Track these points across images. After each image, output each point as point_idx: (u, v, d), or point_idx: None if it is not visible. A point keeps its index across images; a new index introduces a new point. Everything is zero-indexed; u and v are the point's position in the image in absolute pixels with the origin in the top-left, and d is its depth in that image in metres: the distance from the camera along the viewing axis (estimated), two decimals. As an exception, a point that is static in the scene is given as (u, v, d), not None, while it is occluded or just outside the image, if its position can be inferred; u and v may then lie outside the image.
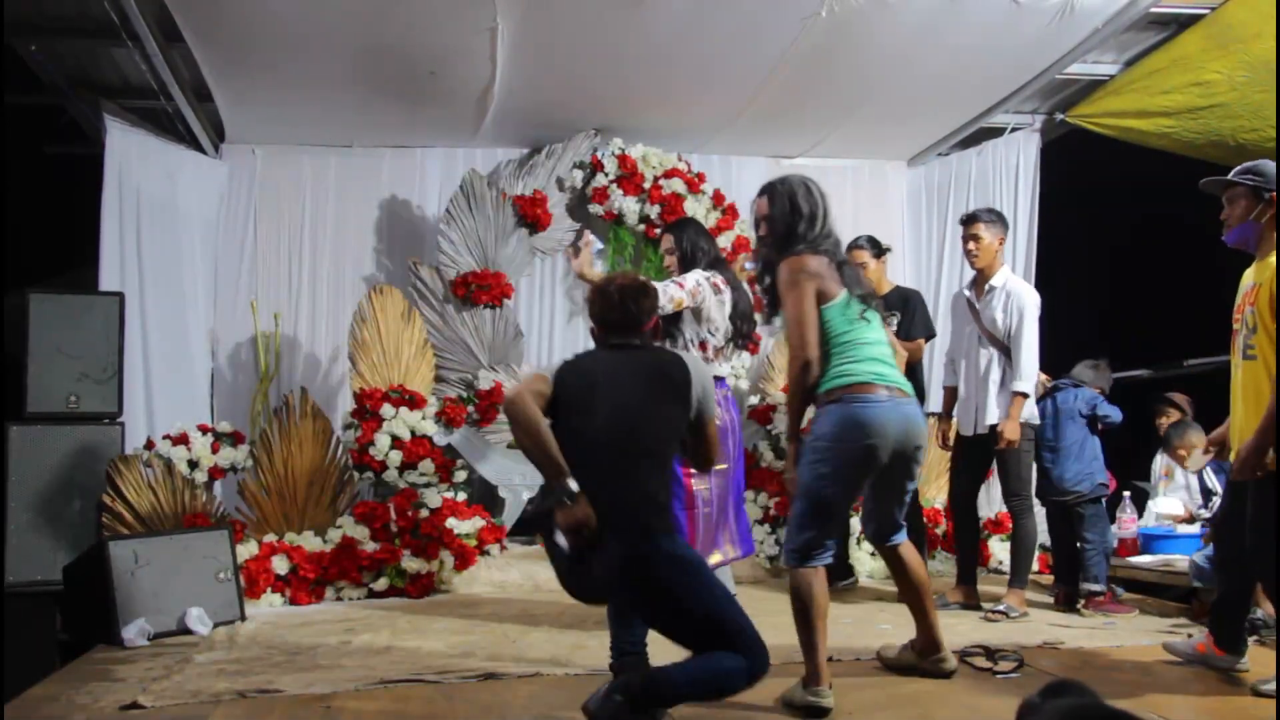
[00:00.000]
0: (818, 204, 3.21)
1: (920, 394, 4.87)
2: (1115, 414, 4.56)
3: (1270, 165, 3.20)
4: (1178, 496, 5.19)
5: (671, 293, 3.84)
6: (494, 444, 5.69)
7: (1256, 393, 3.09)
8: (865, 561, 5.25)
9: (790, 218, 3.19)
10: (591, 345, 2.97)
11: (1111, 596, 4.48)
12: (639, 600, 2.71)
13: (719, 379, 3.90)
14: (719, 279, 4.07)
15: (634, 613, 2.78)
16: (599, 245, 4.22)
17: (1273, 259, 3.10)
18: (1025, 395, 4.30)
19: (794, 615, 3.02)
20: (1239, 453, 3.07)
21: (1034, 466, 4.56)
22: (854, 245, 4.88)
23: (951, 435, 4.67)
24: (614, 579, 2.63)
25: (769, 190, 3.28)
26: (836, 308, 3.11)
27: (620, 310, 2.85)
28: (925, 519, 5.28)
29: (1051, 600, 4.62)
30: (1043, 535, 4.88)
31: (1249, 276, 3.23)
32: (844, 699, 3.04)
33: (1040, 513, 4.69)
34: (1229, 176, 3.25)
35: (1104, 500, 4.59)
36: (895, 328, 4.78)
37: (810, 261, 3.11)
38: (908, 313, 4.86)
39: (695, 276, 3.99)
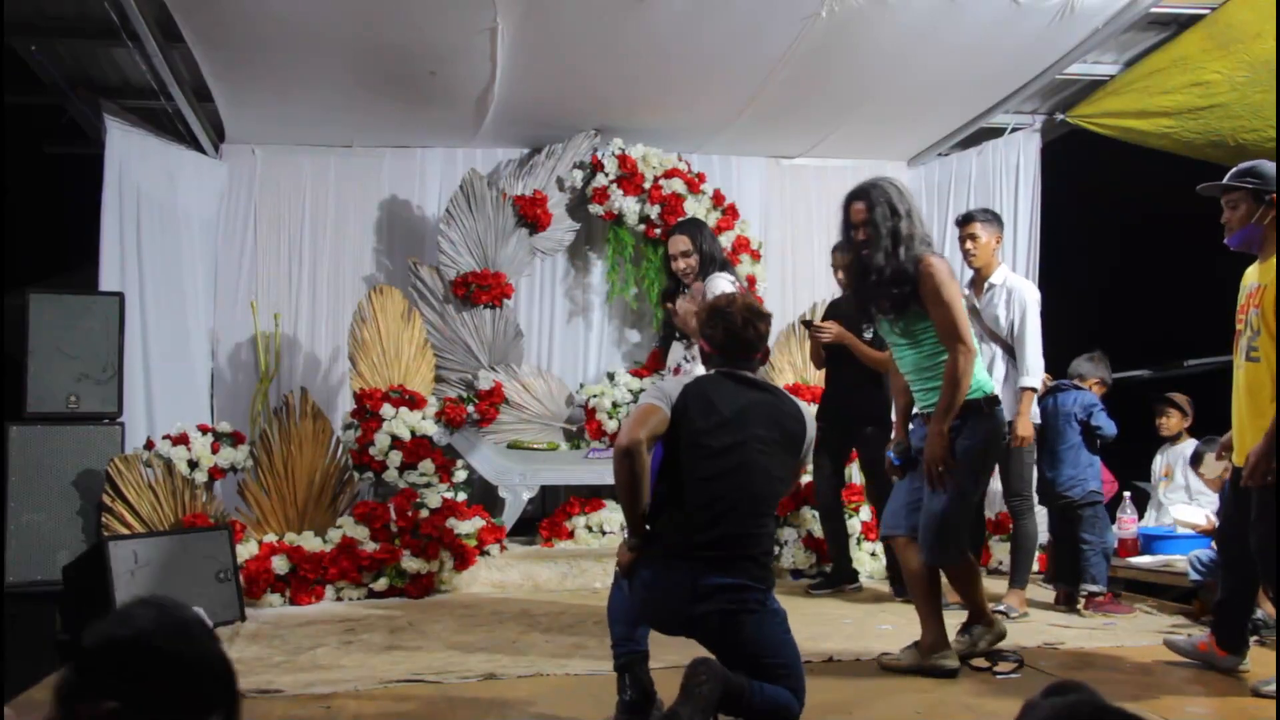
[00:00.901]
0: (911, 203, 3.36)
1: (885, 406, 4.84)
2: (1109, 428, 4.53)
3: (1269, 166, 3.19)
4: (1181, 498, 5.20)
5: None
6: (494, 444, 5.69)
7: (1259, 395, 3.08)
8: (866, 562, 5.25)
9: (892, 219, 3.30)
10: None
11: (1112, 597, 4.49)
12: (717, 639, 2.70)
13: None
14: (739, 283, 4.11)
15: (705, 645, 2.75)
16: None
17: (1275, 260, 3.09)
18: (1034, 390, 4.32)
19: (925, 594, 3.35)
20: (1248, 459, 3.04)
21: (1035, 466, 4.56)
22: (839, 247, 4.87)
23: None
24: (697, 615, 2.63)
25: (864, 194, 3.36)
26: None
27: (743, 337, 2.80)
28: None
29: (1052, 599, 4.62)
30: (1043, 535, 4.89)
31: (1252, 277, 3.21)
32: (844, 699, 3.05)
33: (1041, 512, 4.70)
34: (1226, 180, 3.24)
35: (1102, 503, 4.59)
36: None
37: (947, 263, 3.33)
38: None
39: (727, 288, 4.02)
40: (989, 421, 3.33)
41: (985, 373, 3.44)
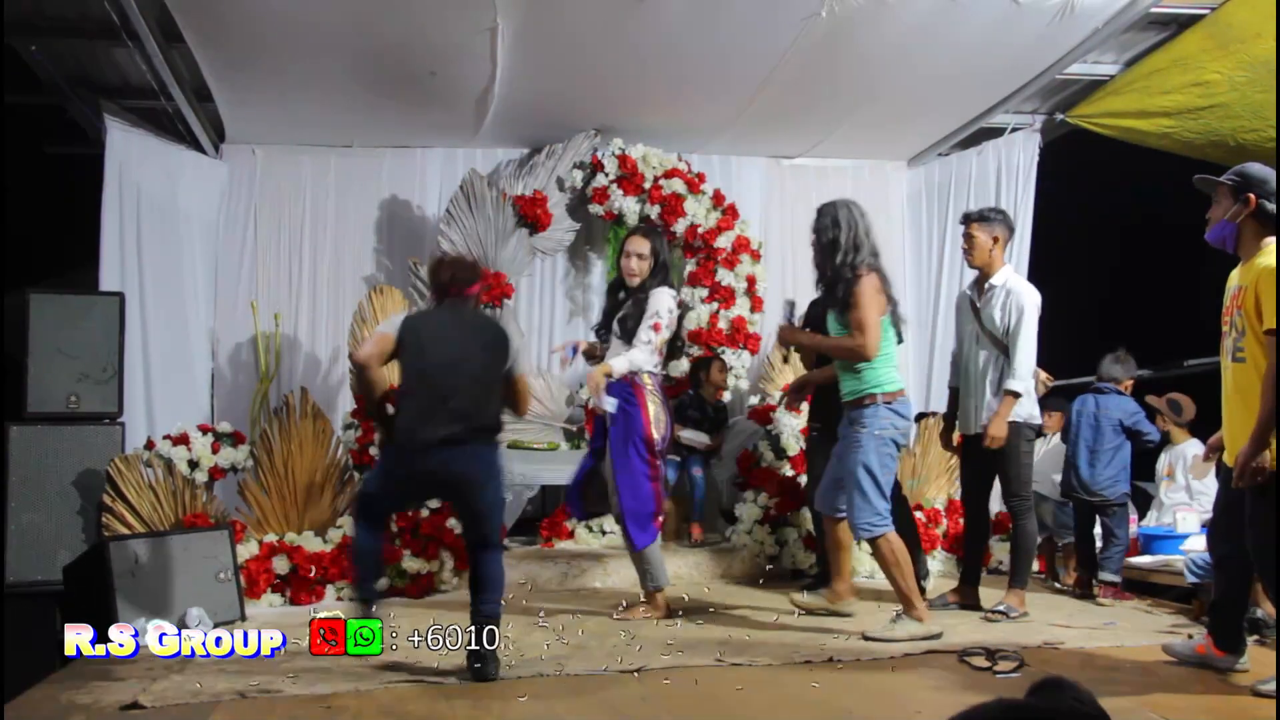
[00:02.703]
0: (858, 220, 4.02)
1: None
2: (1154, 434, 4.90)
3: (1253, 168, 3.23)
4: (1182, 499, 5.21)
5: (653, 340, 4.24)
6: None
7: (1247, 395, 3.10)
8: (865, 561, 5.25)
9: (833, 232, 4.01)
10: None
11: (1118, 588, 4.75)
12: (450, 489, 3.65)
13: (652, 373, 4.31)
14: (678, 295, 4.44)
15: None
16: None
17: (1257, 261, 3.13)
18: (1016, 395, 4.28)
19: (896, 567, 3.92)
20: (1236, 460, 3.06)
21: (1033, 467, 4.56)
22: None
23: (956, 436, 4.67)
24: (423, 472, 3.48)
25: (816, 213, 4.11)
26: (885, 322, 3.99)
27: (438, 280, 3.63)
28: (924, 518, 5.28)
29: (1072, 583, 4.86)
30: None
31: (1235, 279, 3.24)
32: (844, 699, 3.05)
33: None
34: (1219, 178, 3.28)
35: (1129, 502, 4.89)
36: None
37: (878, 279, 3.98)
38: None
39: (668, 303, 4.26)
40: (902, 410, 4.02)
41: (896, 373, 4.07)
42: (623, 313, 4.30)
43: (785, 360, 5.91)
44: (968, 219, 4.50)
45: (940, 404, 6.12)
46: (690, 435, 5.56)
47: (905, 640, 3.79)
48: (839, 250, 3.98)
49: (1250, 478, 3.01)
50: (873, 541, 3.95)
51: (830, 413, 4.76)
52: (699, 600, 4.65)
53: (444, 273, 3.64)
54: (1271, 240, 3.15)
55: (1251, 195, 3.16)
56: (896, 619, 3.91)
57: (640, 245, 4.32)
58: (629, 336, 4.23)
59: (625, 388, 4.21)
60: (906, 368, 5.83)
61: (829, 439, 4.90)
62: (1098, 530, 4.89)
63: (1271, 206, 3.15)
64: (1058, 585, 5.13)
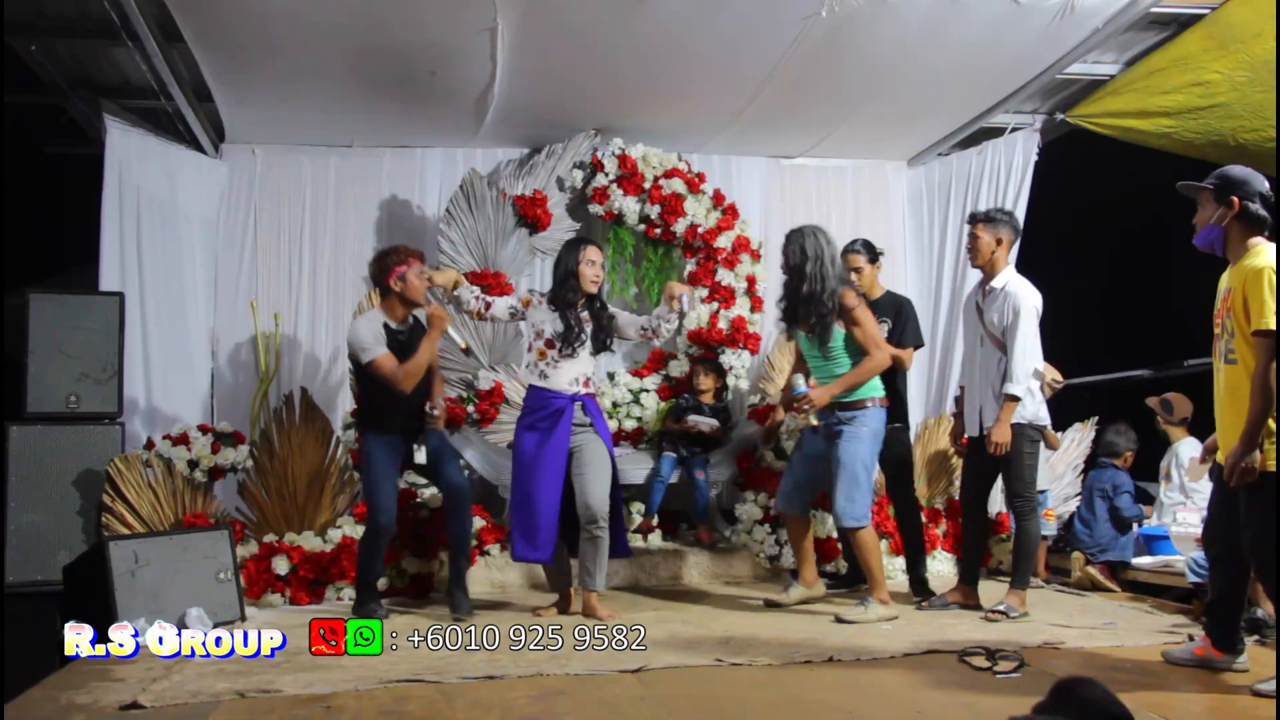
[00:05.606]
0: (825, 248, 4.35)
1: (899, 402, 4.85)
2: (1130, 511, 5.22)
3: (1234, 170, 3.24)
4: (1179, 499, 5.22)
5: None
6: (494, 444, 5.69)
7: (1239, 396, 3.12)
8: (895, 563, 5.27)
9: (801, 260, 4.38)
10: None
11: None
12: None
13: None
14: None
15: None
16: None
17: (1245, 262, 3.14)
18: (1015, 399, 4.28)
19: (874, 553, 4.41)
20: (1228, 460, 3.09)
21: (1038, 468, 4.55)
22: (849, 249, 4.88)
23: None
24: None
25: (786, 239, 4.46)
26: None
27: None
28: (925, 518, 5.28)
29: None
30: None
31: (1225, 281, 3.25)
32: (844, 699, 3.05)
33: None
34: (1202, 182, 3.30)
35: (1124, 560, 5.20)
36: (885, 334, 4.76)
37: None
38: (899, 320, 4.84)
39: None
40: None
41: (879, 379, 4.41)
42: (597, 323, 4.43)
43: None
44: (974, 219, 4.50)
45: (942, 405, 6.15)
46: (697, 419, 5.53)
47: (875, 621, 4.17)
48: (808, 278, 4.29)
49: (1240, 477, 3.03)
50: (859, 531, 4.32)
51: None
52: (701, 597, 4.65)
53: None
54: (1259, 240, 3.17)
55: (1235, 198, 3.17)
56: (864, 603, 4.26)
57: (600, 254, 4.47)
58: (601, 348, 4.46)
59: (593, 401, 4.45)
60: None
61: None
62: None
63: (1255, 207, 3.16)
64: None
